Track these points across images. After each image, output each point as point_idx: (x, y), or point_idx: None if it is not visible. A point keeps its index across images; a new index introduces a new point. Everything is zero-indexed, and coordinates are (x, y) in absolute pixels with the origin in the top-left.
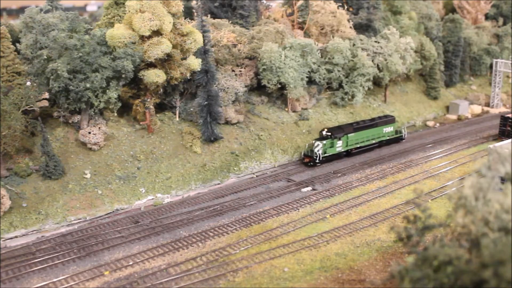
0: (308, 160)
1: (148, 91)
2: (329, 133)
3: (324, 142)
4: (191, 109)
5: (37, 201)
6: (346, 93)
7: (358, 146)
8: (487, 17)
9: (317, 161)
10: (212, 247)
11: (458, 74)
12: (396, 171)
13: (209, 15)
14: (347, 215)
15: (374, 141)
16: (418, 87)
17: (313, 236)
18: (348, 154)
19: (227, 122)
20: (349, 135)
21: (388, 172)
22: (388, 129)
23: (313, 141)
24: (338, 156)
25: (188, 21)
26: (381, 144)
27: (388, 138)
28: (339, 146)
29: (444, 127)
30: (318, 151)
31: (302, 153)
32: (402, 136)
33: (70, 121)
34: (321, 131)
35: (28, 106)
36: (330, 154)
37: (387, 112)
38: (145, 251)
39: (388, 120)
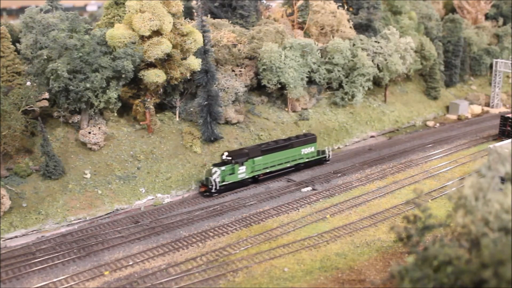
0: (204, 189)
1: (148, 91)
2: (230, 157)
3: (223, 168)
4: (191, 109)
5: (37, 201)
6: (346, 93)
7: (268, 171)
8: (487, 17)
9: (213, 190)
10: (212, 247)
11: (458, 74)
12: (396, 171)
13: (209, 15)
14: (347, 215)
15: (289, 165)
16: (418, 87)
17: (313, 236)
18: (255, 181)
19: (227, 122)
20: (255, 158)
21: (388, 172)
22: (308, 150)
23: (211, 167)
24: (241, 184)
25: (188, 21)
26: (299, 167)
27: (307, 160)
28: (242, 172)
29: (444, 127)
30: (215, 179)
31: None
32: (325, 157)
33: (70, 121)
34: (222, 155)
35: (28, 106)
36: (230, 182)
37: (387, 112)
38: (145, 251)
39: (307, 139)
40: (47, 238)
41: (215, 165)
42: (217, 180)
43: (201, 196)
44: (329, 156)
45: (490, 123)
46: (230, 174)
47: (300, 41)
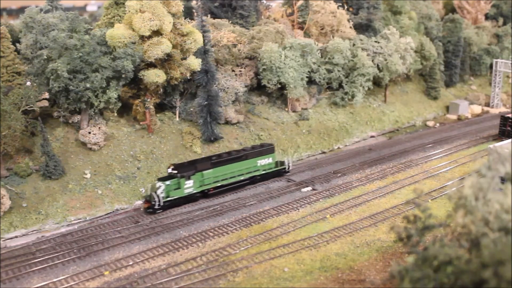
0: (147, 205)
1: (148, 91)
2: (175, 171)
3: (168, 182)
4: (191, 109)
5: (37, 201)
6: (346, 93)
7: (219, 185)
8: (487, 17)
9: (157, 207)
10: (212, 247)
11: (458, 74)
12: (396, 171)
13: (209, 15)
14: (347, 215)
15: (243, 178)
16: (418, 87)
17: (313, 236)
18: (205, 195)
19: (227, 122)
20: (204, 172)
21: (388, 172)
22: (265, 161)
23: (156, 181)
24: (188, 200)
25: (188, 21)
26: (255, 180)
27: (264, 172)
28: (189, 186)
29: (444, 127)
30: (159, 194)
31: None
32: (285, 168)
33: (70, 121)
34: (168, 168)
35: (28, 106)
36: (176, 197)
37: (387, 112)
38: (145, 251)
39: (264, 150)
40: (47, 238)
41: (160, 179)
42: (162, 195)
43: (145, 213)
44: (288, 168)
45: (490, 123)
46: (176, 189)
47: (300, 41)
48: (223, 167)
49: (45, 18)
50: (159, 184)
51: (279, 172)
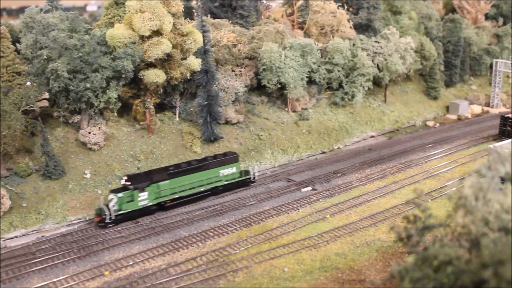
0: (99, 219)
1: (148, 91)
2: (128, 182)
3: (120, 194)
4: (191, 109)
5: (37, 201)
6: (346, 93)
7: (177, 196)
8: (487, 17)
9: (108, 220)
10: (212, 247)
11: (458, 74)
12: (396, 171)
13: (209, 15)
14: (347, 215)
15: (203, 189)
16: (418, 87)
17: (313, 236)
18: (162, 207)
19: (227, 122)
20: (161, 183)
21: (388, 172)
22: (228, 171)
23: (110, 193)
24: (142, 213)
25: (188, 21)
26: (217, 191)
27: (227, 182)
28: (144, 199)
29: (444, 127)
30: (111, 207)
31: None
32: (250, 178)
33: (70, 121)
34: (122, 178)
35: (28, 106)
36: (129, 210)
37: (387, 112)
38: (145, 251)
39: (227, 159)
40: (47, 238)
41: (113, 191)
42: (114, 208)
43: (97, 227)
44: (254, 177)
45: (490, 123)
46: (129, 201)
47: (300, 41)
48: (181, 177)
49: (45, 18)
50: (111, 196)
51: (243, 182)
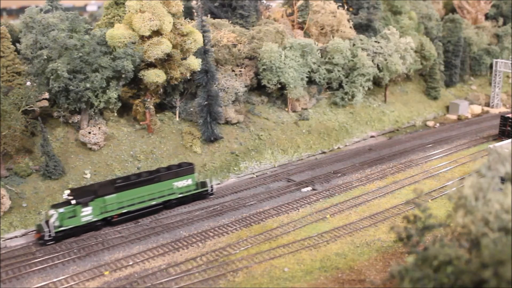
0: (39, 236)
1: (148, 91)
2: (71, 196)
3: (62, 210)
4: (191, 109)
5: (37, 201)
6: (346, 93)
7: (126, 211)
8: (487, 17)
9: (47, 238)
10: (212, 247)
11: (458, 74)
12: (396, 171)
13: (209, 15)
14: (347, 215)
15: (154, 202)
16: (418, 87)
17: (313, 236)
18: (108, 223)
19: (227, 122)
20: (107, 197)
21: (388, 172)
22: (182, 183)
23: (50, 208)
24: (86, 229)
25: (188, 21)
26: (170, 204)
27: (181, 195)
28: (87, 214)
29: (444, 127)
30: (52, 223)
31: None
32: (207, 190)
33: (70, 121)
34: (64, 193)
35: (28, 106)
36: (71, 227)
37: (387, 112)
38: (145, 251)
39: (181, 170)
40: None
41: (54, 206)
42: (54, 224)
43: (37, 243)
44: (212, 190)
45: (490, 123)
46: (71, 217)
47: (300, 41)
48: (130, 191)
49: (45, 18)
50: (51, 211)
51: (200, 194)
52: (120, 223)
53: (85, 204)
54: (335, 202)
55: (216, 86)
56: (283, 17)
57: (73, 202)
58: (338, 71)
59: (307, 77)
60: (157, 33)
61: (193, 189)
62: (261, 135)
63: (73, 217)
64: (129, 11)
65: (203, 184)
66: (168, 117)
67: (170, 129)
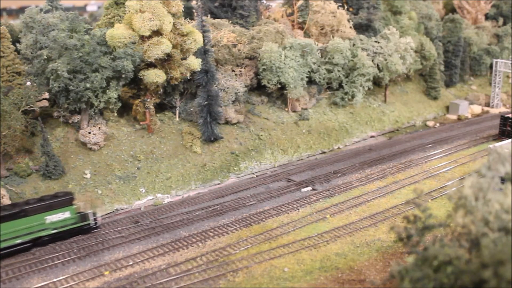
0: None
1: (148, 91)
2: None
3: None
4: (191, 109)
5: None
6: (346, 93)
7: None
8: (487, 17)
9: None
10: (212, 247)
11: (458, 74)
12: (396, 171)
13: (209, 15)
14: (347, 215)
15: (19, 241)
16: (418, 87)
17: (313, 236)
18: None
19: (227, 122)
20: None
21: (388, 172)
22: (58, 217)
23: None
24: None
25: (188, 21)
26: (42, 242)
27: (55, 231)
28: None
29: (444, 127)
30: None
31: None
32: (89, 223)
33: (70, 121)
34: None
35: (28, 106)
36: None
37: (387, 112)
38: (145, 251)
39: (56, 202)
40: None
41: None
42: None
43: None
44: (96, 223)
45: (490, 123)
46: None
47: (300, 41)
48: None
49: (45, 18)
50: None
51: (80, 229)
52: None
53: None
54: (335, 202)
55: (216, 86)
56: (283, 17)
57: None
58: (338, 71)
59: (307, 77)
60: (157, 33)
61: (71, 223)
62: (261, 135)
63: None
64: (129, 11)
65: (84, 217)
66: (168, 117)
67: (170, 129)
